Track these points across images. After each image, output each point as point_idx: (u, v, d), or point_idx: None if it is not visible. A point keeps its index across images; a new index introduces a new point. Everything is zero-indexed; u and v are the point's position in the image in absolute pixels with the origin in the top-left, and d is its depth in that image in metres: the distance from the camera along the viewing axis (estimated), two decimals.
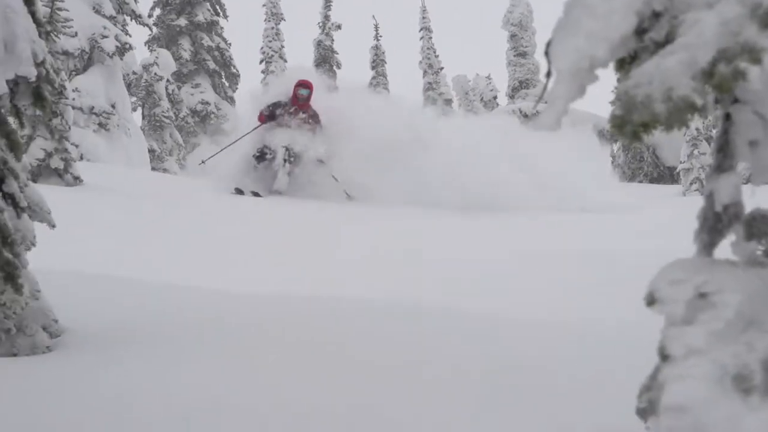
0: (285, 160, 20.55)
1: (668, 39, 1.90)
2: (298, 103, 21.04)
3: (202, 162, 20.82)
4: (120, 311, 6.45)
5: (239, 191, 19.97)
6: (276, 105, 21.14)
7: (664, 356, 1.82)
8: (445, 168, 19.56)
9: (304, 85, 21.17)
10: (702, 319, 1.82)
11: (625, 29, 1.92)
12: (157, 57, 38.39)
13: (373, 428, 4.38)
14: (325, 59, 48.14)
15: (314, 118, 21.09)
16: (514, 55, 48.39)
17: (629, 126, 1.79)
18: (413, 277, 9.56)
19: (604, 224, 15.60)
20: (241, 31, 48.28)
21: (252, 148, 20.94)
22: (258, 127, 21.05)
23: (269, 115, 20.98)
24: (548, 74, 1.95)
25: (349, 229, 14.24)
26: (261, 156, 20.68)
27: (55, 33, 19.65)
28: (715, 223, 1.94)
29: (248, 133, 20.87)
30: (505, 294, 8.48)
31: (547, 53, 1.96)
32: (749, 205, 2.00)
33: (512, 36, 48.19)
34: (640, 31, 1.95)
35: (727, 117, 1.95)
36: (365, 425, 4.42)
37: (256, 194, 19.96)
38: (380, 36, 51.29)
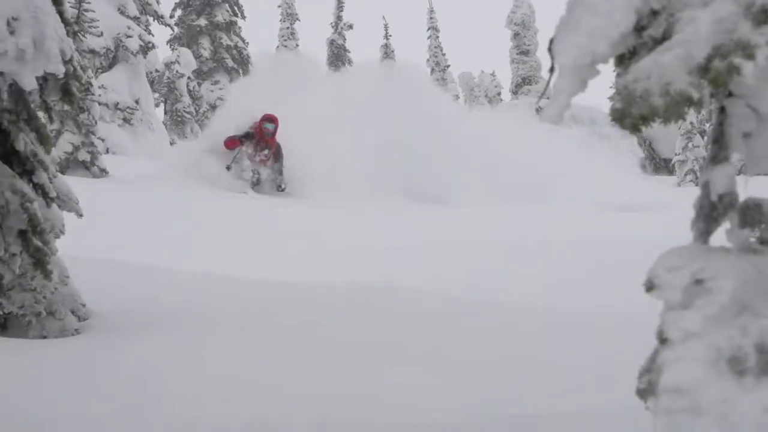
0: (256, 182, 19.93)
1: (665, 36, 1.89)
2: (264, 138, 20.11)
3: (228, 168, 19.71)
4: (142, 296, 6.47)
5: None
6: (246, 136, 20.09)
7: (663, 340, 1.82)
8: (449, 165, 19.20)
9: (270, 119, 20.11)
10: (698, 304, 1.81)
11: (625, 26, 1.91)
12: (178, 55, 38.46)
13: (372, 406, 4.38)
14: (338, 57, 48.21)
15: (277, 154, 20.26)
16: (517, 53, 48.29)
17: (629, 119, 1.79)
18: (426, 266, 9.52)
19: (606, 214, 15.56)
20: (258, 31, 48.25)
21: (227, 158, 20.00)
22: (237, 153, 19.96)
23: (240, 140, 20.05)
24: (551, 70, 1.94)
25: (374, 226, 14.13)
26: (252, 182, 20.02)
27: (82, 33, 19.66)
28: (710, 212, 1.93)
29: (233, 161, 19.86)
30: (513, 282, 8.44)
31: (550, 50, 1.95)
32: (742, 195, 1.98)
33: (515, 35, 48.09)
34: (638, 29, 1.94)
35: (722, 110, 1.94)
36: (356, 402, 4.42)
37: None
38: (390, 35, 51.33)
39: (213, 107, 41.49)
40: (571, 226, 13.93)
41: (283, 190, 20.01)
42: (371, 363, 5.17)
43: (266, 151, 20.07)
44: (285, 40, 46.84)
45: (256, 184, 19.90)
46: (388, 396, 4.55)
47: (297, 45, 47.15)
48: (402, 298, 6.97)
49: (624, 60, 1.96)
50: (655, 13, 1.93)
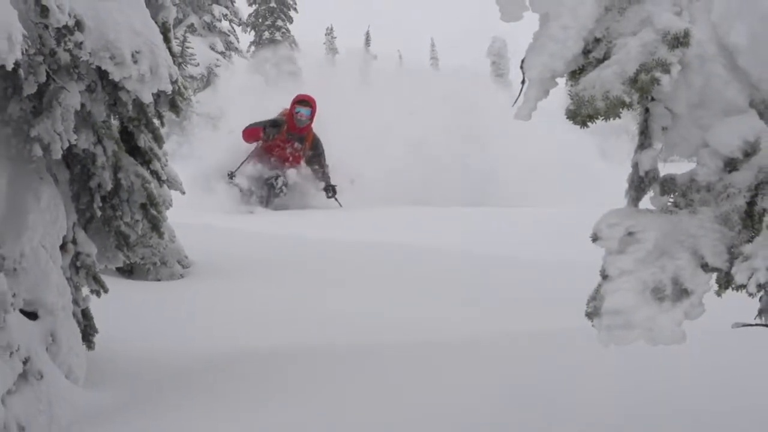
0: (278, 191, 11.64)
1: (605, 56, 1.90)
2: (296, 127, 11.73)
3: (231, 175, 11.75)
4: (228, 251, 6.49)
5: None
6: (272, 125, 11.75)
7: (604, 276, 1.84)
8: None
9: (304, 101, 11.84)
10: (630, 250, 1.83)
11: (576, 50, 1.92)
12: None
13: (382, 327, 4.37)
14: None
15: (315, 146, 11.90)
16: (495, 76, 48.08)
17: (579, 117, 1.81)
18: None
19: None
20: None
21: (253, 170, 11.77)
22: (254, 150, 11.91)
23: (262, 133, 11.71)
24: (523, 81, 1.95)
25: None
26: (271, 185, 11.73)
27: (185, 63, 19.76)
28: (639, 184, 1.95)
29: (246, 160, 11.85)
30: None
31: (522, 67, 1.95)
32: (662, 172, 1.99)
33: (493, 62, 47.86)
34: (586, 52, 1.95)
35: (647, 110, 1.96)
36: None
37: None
38: (402, 63, 51.10)
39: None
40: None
41: (333, 196, 11.71)
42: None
43: (297, 145, 11.77)
44: None
45: (277, 195, 11.71)
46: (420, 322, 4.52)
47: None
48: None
49: (575, 74, 1.96)
50: (597, 40, 1.94)
